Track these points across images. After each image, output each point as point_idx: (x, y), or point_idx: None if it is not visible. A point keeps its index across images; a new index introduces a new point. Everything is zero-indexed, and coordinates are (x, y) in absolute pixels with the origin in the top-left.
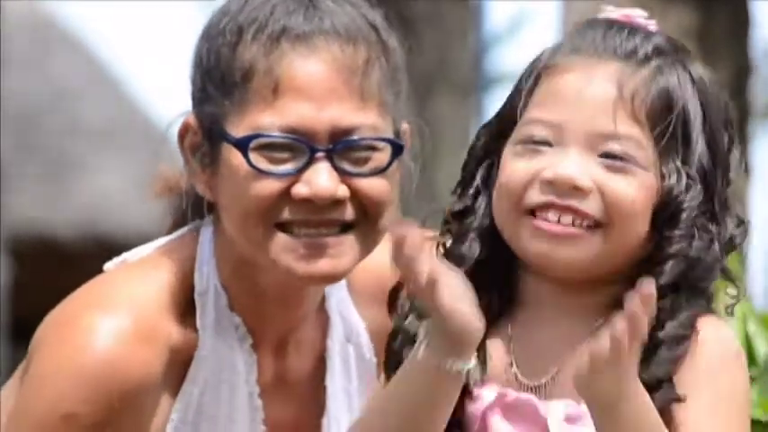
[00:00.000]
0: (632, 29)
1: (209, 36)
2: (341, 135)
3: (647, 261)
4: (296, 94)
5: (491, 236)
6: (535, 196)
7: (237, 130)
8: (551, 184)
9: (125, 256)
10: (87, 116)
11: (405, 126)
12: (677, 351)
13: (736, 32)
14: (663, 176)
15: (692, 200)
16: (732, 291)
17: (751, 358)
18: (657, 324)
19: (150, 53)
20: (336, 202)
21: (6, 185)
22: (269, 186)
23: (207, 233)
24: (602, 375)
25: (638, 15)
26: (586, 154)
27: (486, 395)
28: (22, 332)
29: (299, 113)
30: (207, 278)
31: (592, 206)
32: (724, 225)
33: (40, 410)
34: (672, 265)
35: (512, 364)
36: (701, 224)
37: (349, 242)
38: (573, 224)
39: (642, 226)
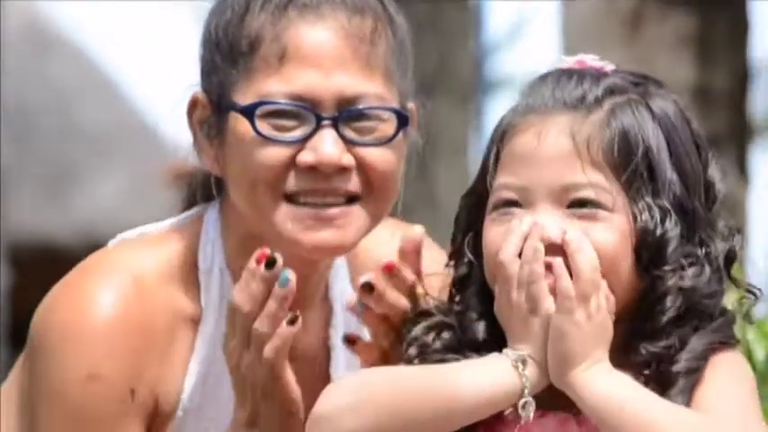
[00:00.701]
0: (581, 75)
1: (218, 11)
2: (347, 103)
3: (643, 301)
4: (302, 62)
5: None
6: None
7: (244, 97)
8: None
9: (125, 234)
10: (86, 122)
11: (411, 105)
12: (693, 380)
13: (735, 39)
14: (635, 216)
15: (671, 231)
16: (747, 295)
17: (750, 365)
18: (670, 359)
19: (149, 59)
20: (341, 171)
21: (5, 191)
22: (275, 154)
23: (212, 213)
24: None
25: (591, 59)
26: (555, 209)
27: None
28: (22, 338)
29: (305, 81)
30: (211, 257)
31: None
32: (713, 244)
33: (64, 376)
34: (669, 301)
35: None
36: (688, 252)
37: (355, 213)
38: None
39: (624, 269)
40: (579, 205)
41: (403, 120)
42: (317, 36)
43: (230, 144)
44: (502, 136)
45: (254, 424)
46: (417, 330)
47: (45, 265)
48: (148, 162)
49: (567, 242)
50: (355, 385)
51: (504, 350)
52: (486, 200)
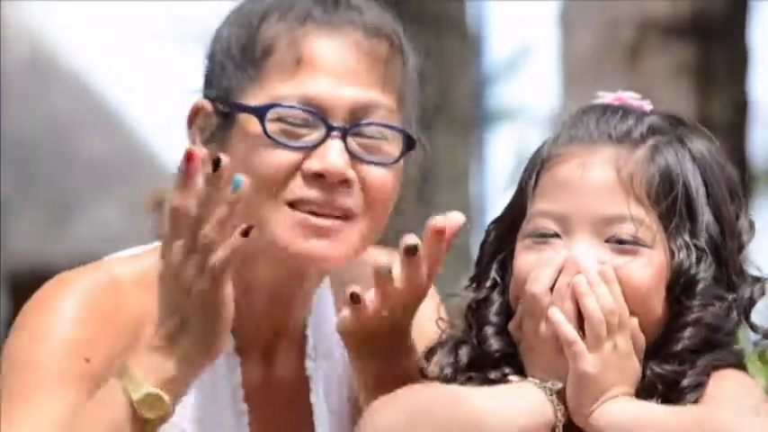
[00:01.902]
0: (625, 111)
1: (231, 22)
2: (358, 114)
3: (664, 327)
4: (317, 69)
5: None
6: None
7: (255, 100)
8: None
9: (118, 254)
10: (86, 150)
11: (416, 131)
12: (698, 394)
13: (734, 70)
14: (672, 253)
15: (704, 272)
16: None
17: None
18: (677, 380)
19: (148, 88)
20: (344, 184)
21: (5, 220)
22: (282, 158)
23: None
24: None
25: (632, 97)
26: (594, 240)
27: None
28: None
29: (318, 87)
30: None
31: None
32: (741, 290)
33: (22, 334)
34: (690, 332)
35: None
36: (718, 294)
37: (348, 230)
38: None
39: (657, 304)
40: (618, 240)
41: (410, 143)
42: (334, 47)
43: (234, 146)
44: (542, 164)
45: (176, 338)
46: (441, 353)
47: None
48: (148, 190)
49: (589, 279)
50: (410, 401)
51: (534, 380)
52: (518, 226)
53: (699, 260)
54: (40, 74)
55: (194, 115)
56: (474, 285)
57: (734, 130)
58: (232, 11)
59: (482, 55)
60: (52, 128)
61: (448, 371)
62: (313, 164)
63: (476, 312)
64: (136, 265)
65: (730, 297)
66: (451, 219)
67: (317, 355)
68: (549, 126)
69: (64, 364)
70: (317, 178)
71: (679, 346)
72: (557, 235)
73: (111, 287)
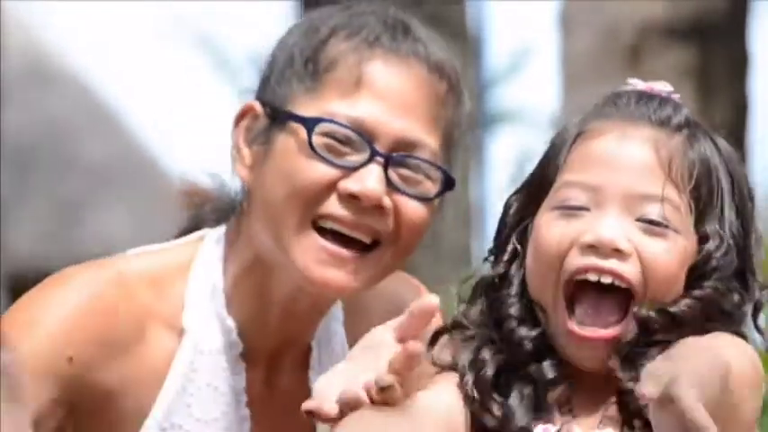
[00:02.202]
0: (664, 99)
1: (298, 33)
2: (404, 147)
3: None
4: (374, 93)
5: (528, 302)
6: (576, 260)
7: (307, 111)
8: (592, 248)
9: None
10: (87, 154)
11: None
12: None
13: (734, 71)
14: (701, 239)
15: (728, 263)
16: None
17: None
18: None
19: (150, 91)
20: (377, 210)
21: (6, 224)
22: (321, 173)
23: (213, 236)
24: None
25: (665, 89)
26: (624, 216)
27: None
28: None
29: (372, 112)
30: (204, 277)
31: (630, 269)
32: (752, 290)
33: (11, 318)
34: (698, 305)
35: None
36: (734, 287)
37: (371, 261)
38: (611, 285)
39: (676, 288)
40: (649, 221)
41: (449, 184)
42: (395, 76)
43: (277, 153)
44: (575, 137)
45: None
46: (464, 359)
47: None
48: (149, 194)
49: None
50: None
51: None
52: (541, 198)
53: (726, 252)
54: (39, 76)
55: (243, 115)
56: (492, 259)
57: (734, 132)
58: (301, 20)
59: (482, 57)
60: (52, 130)
61: (473, 390)
62: (351, 184)
63: (494, 293)
64: (144, 262)
65: (745, 294)
66: (425, 304)
67: (320, 367)
68: (550, 127)
69: (43, 359)
70: (352, 199)
71: (677, 308)
72: (585, 207)
73: (113, 283)
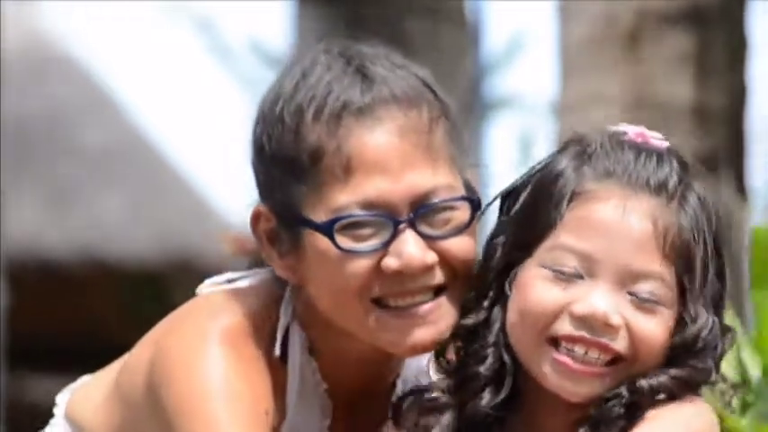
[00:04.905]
0: (659, 156)
1: (267, 122)
2: (420, 201)
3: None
4: (369, 169)
5: (506, 348)
6: (565, 327)
7: (317, 213)
8: (583, 319)
9: (214, 280)
10: (86, 140)
11: (469, 174)
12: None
13: (733, 57)
14: (686, 316)
15: (714, 338)
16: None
17: (745, 383)
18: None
19: (149, 77)
20: (426, 269)
21: (4, 209)
22: (359, 265)
23: (285, 298)
24: None
25: (656, 137)
26: (617, 290)
27: None
28: (20, 355)
29: (375, 187)
30: (293, 341)
31: (620, 343)
32: (722, 339)
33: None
34: (674, 382)
35: None
36: (712, 358)
37: (444, 305)
38: (596, 360)
39: (660, 358)
40: (641, 297)
41: (476, 205)
42: (379, 140)
43: (310, 258)
44: (573, 194)
45: None
46: (412, 415)
47: (44, 283)
48: (148, 180)
49: None
50: None
51: None
52: (531, 246)
53: (710, 329)
54: (39, 63)
55: (256, 221)
56: (473, 305)
57: (732, 118)
58: (261, 108)
59: (480, 44)
60: (52, 117)
61: None
62: (392, 262)
63: (469, 343)
64: (244, 306)
65: (719, 347)
66: None
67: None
68: (548, 114)
69: (251, 423)
70: (399, 273)
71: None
72: (578, 275)
73: (226, 338)
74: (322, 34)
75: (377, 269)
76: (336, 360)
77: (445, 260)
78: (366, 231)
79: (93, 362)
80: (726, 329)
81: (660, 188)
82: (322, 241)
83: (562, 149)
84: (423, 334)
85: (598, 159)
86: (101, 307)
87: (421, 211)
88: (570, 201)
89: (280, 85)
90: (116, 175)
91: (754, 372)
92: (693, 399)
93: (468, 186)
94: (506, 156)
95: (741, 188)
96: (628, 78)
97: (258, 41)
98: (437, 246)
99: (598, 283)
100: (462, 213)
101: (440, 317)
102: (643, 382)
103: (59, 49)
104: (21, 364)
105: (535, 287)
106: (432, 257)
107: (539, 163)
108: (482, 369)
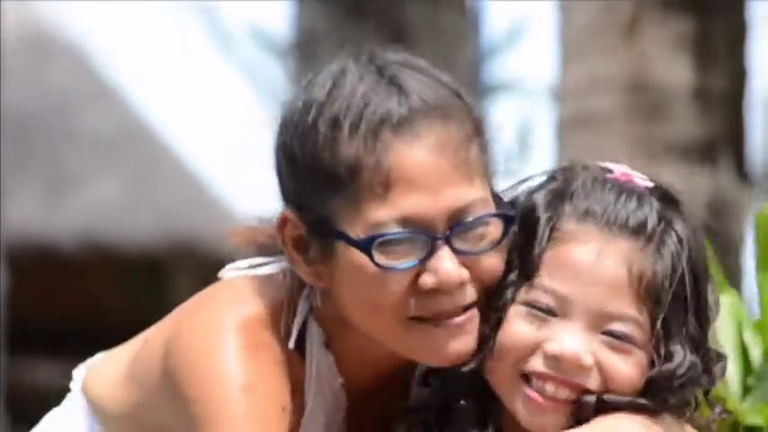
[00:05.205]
0: (640, 197)
1: (298, 129)
2: (456, 217)
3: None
4: (408, 185)
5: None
6: (537, 365)
7: (354, 228)
8: (555, 358)
9: (237, 264)
10: (86, 126)
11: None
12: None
13: (733, 41)
14: (660, 355)
15: (690, 374)
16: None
17: (747, 365)
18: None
19: (149, 63)
20: (461, 285)
21: (5, 194)
22: (396, 281)
23: (303, 297)
24: None
25: (639, 177)
26: (589, 330)
27: None
28: (20, 340)
29: (414, 204)
30: (310, 334)
31: (591, 382)
32: (709, 373)
33: (267, 415)
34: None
35: None
36: (690, 384)
37: (475, 317)
38: (566, 397)
39: (633, 393)
40: (614, 336)
41: (509, 221)
42: (418, 156)
43: (343, 270)
44: (552, 232)
45: None
46: None
47: (43, 268)
48: (148, 166)
49: None
50: None
51: None
52: (525, 277)
53: (690, 368)
54: (39, 49)
55: (282, 226)
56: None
57: (732, 102)
58: (292, 115)
59: (480, 29)
60: (51, 103)
61: None
62: (429, 279)
63: (439, 376)
64: (265, 297)
65: (703, 380)
66: None
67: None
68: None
69: (271, 417)
70: (435, 290)
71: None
72: (553, 313)
73: (243, 331)
74: (323, 21)
75: (413, 286)
76: (353, 356)
77: (475, 275)
78: (403, 248)
79: (93, 346)
80: (718, 358)
81: (638, 230)
82: (358, 256)
83: (548, 181)
84: (459, 345)
85: (579, 198)
86: (101, 292)
87: (458, 228)
88: (549, 239)
89: (308, 91)
90: (116, 160)
91: (756, 354)
92: (657, 416)
93: (497, 199)
94: (506, 139)
95: (741, 172)
96: (627, 63)
97: (259, 27)
98: (469, 261)
99: (572, 322)
100: (495, 229)
101: (472, 329)
102: (612, 396)
103: (59, 36)
104: (21, 348)
105: (512, 323)
106: (465, 274)
107: (524, 192)
108: (453, 393)
